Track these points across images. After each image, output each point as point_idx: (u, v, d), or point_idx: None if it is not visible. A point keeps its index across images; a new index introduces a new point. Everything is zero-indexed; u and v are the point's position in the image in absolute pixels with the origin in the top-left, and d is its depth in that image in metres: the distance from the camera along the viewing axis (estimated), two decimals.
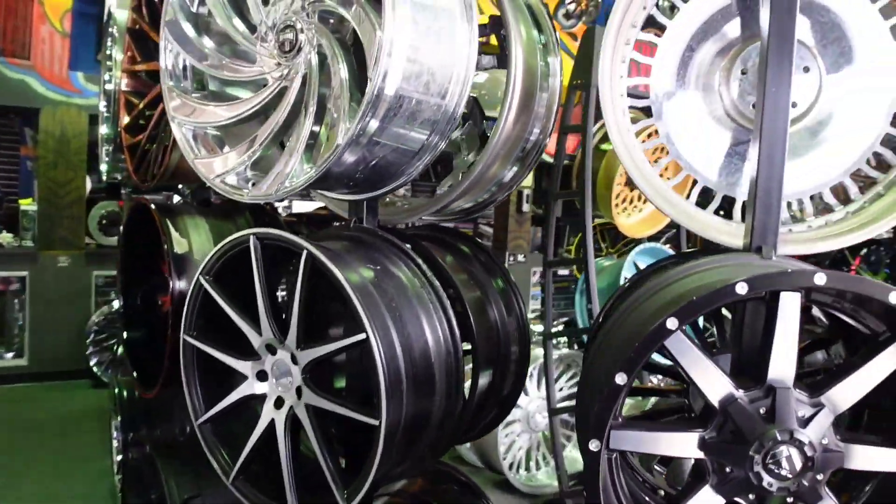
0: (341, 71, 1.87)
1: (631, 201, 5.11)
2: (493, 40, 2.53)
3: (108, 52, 4.06)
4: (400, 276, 2.06)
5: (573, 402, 5.26)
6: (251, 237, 2.04)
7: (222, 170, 2.16)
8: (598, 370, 1.79)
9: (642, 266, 5.11)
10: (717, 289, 1.48)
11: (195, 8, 2.31)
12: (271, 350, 2.07)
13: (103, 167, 4.47)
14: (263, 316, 2.04)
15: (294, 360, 2.00)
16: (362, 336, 1.77)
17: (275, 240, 2.01)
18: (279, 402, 2.05)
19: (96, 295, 7.83)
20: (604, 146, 4.95)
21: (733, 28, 2.19)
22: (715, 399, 1.60)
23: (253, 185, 2.11)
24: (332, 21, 2.03)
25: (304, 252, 1.89)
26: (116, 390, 4.15)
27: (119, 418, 4.14)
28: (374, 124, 1.85)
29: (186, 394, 2.27)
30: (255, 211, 3.26)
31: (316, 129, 1.97)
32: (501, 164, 2.43)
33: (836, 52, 2.10)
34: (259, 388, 2.10)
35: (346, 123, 1.83)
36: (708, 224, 2.10)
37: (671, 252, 5.16)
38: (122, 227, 3.96)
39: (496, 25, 2.36)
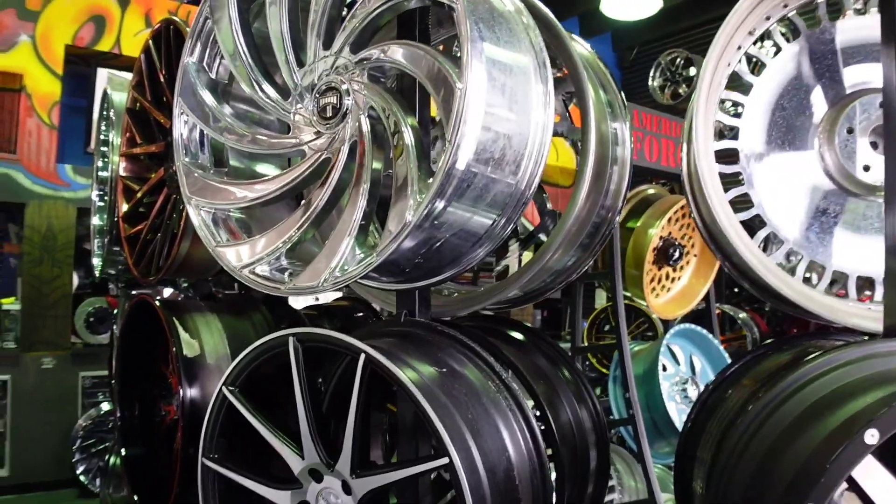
0: (406, 135, 1.56)
1: (659, 280, 4.80)
2: None
3: (102, 137, 3.76)
4: (471, 378, 1.70)
5: (612, 501, 4.81)
6: (290, 339, 1.68)
7: (250, 258, 1.82)
8: (738, 492, 1.44)
9: (678, 350, 4.78)
10: None
11: (214, 73, 2.02)
12: (316, 476, 1.69)
13: (96, 261, 4.10)
14: (307, 435, 1.66)
15: (346, 489, 1.62)
16: (444, 461, 1.41)
17: (320, 342, 1.66)
18: None
19: (83, 397, 7.30)
20: (629, 224, 4.68)
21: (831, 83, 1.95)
22: None
23: (290, 275, 1.78)
24: (382, 80, 1.74)
25: (363, 356, 1.53)
26: None
27: None
28: (441, 202, 1.53)
29: None
30: (270, 305, 2.91)
31: (368, 208, 1.65)
32: (565, 250, 2.12)
33: None
34: None
35: (415, 198, 1.50)
36: (834, 307, 1.77)
37: (704, 333, 4.81)
38: (118, 328, 3.57)
39: (560, 85, 2.08)
